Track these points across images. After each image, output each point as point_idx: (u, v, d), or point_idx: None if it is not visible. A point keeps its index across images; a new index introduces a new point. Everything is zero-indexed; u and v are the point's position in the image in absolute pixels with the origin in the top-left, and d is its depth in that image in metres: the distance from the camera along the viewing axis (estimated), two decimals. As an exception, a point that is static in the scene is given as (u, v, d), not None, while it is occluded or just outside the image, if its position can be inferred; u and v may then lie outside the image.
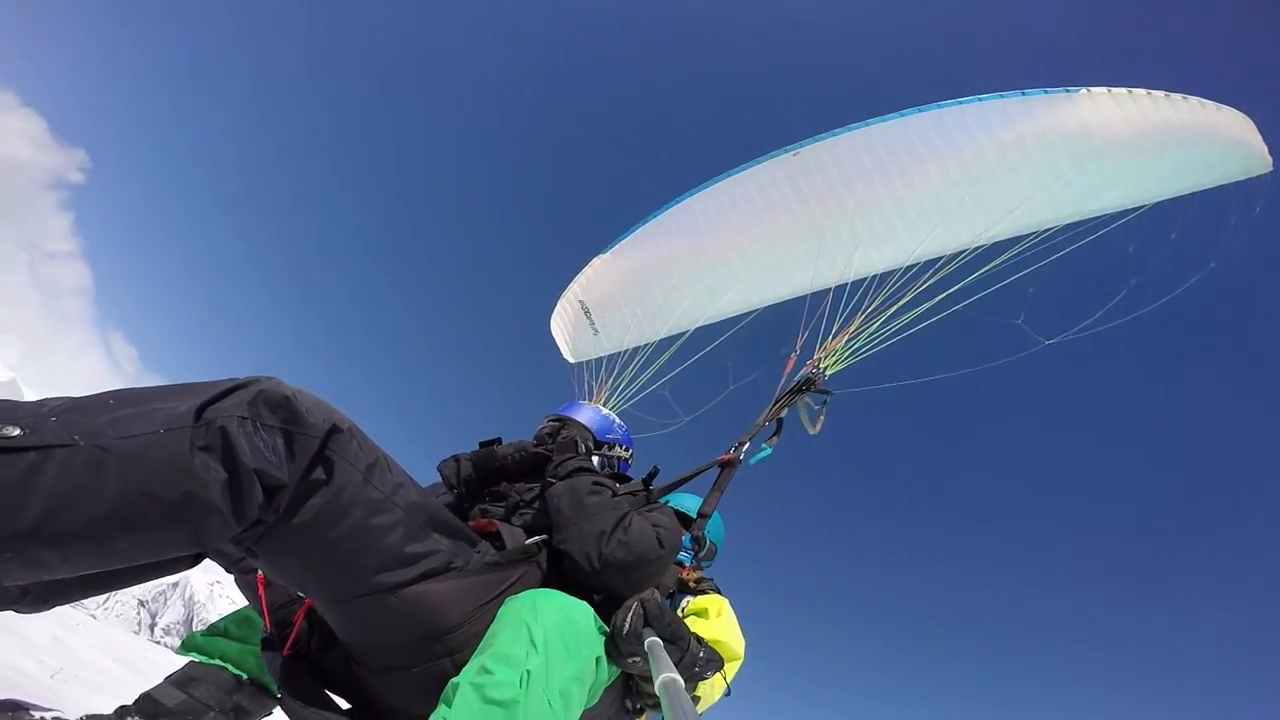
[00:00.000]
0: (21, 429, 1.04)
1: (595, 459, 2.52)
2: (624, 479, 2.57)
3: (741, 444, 3.14)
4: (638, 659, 1.72)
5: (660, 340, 3.69)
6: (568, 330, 4.03)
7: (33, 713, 2.02)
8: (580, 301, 3.91)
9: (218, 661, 2.21)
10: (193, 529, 1.17)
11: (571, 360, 3.97)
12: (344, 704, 1.81)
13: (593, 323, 3.91)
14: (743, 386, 3.50)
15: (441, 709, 1.41)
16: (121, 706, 2.11)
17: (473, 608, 1.63)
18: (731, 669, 2.33)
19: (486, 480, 2.42)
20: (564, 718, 1.47)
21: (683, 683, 1.38)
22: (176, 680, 2.16)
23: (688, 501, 3.25)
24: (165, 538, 1.15)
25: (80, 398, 1.19)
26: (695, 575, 2.94)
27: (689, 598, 2.73)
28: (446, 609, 1.58)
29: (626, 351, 3.70)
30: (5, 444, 1.01)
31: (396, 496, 1.50)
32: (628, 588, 1.93)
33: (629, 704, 2.00)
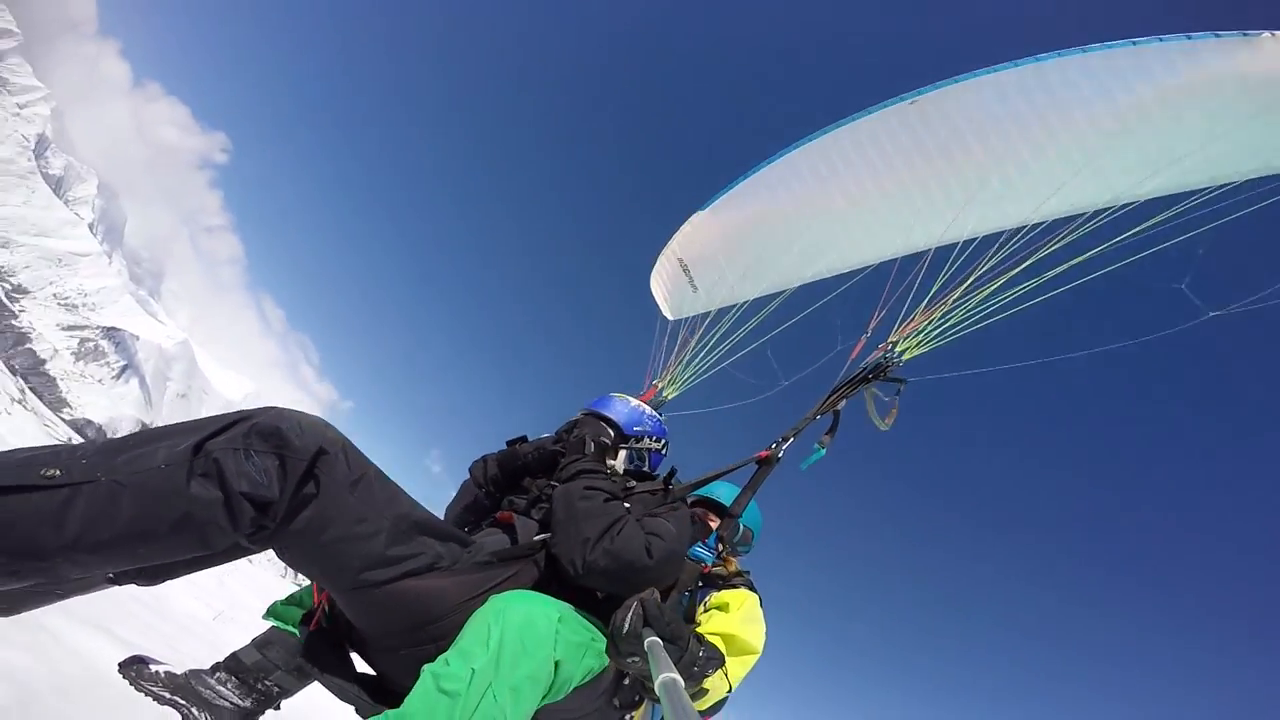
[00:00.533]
0: (60, 470, 1.39)
1: (622, 453, 2.56)
2: (645, 476, 2.60)
3: (784, 439, 2.89)
4: (637, 659, 1.75)
5: (760, 298, 3.54)
6: (666, 288, 3.97)
7: (152, 666, 2.34)
8: (679, 259, 3.84)
9: (290, 627, 2.44)
10: (198, 537, 1.50)
11: (670, 317, 3.91)
12: (372, 671, 2.06)
13: (692, 280, 3.82)
14: (842, 353, 3.26)
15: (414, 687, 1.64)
16: (216, 663, 2.40)
17: (458, 602, 1.84)
18: (744, 663, 2.30)
19: (511, 478, 2.55)
20: (511, 712, 1.59)
21: (683, 682, 1.45)
22: (258, 642, 2.46)
23: (722, 491, 3.11)
24: (176, 545, 1.49)
25: (108, 440, 1.55)
26: (733, 567, 2.86)
27: (714, 592, 2.69)
28: (429, 602, 1.82)
29: (726, 308, 3.61)
30: (47, 483, 1.37)
31: (381, 507, 1.76)
32: (623, 591, 1.99)
33: (617, 701, 2.04)
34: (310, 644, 2.06)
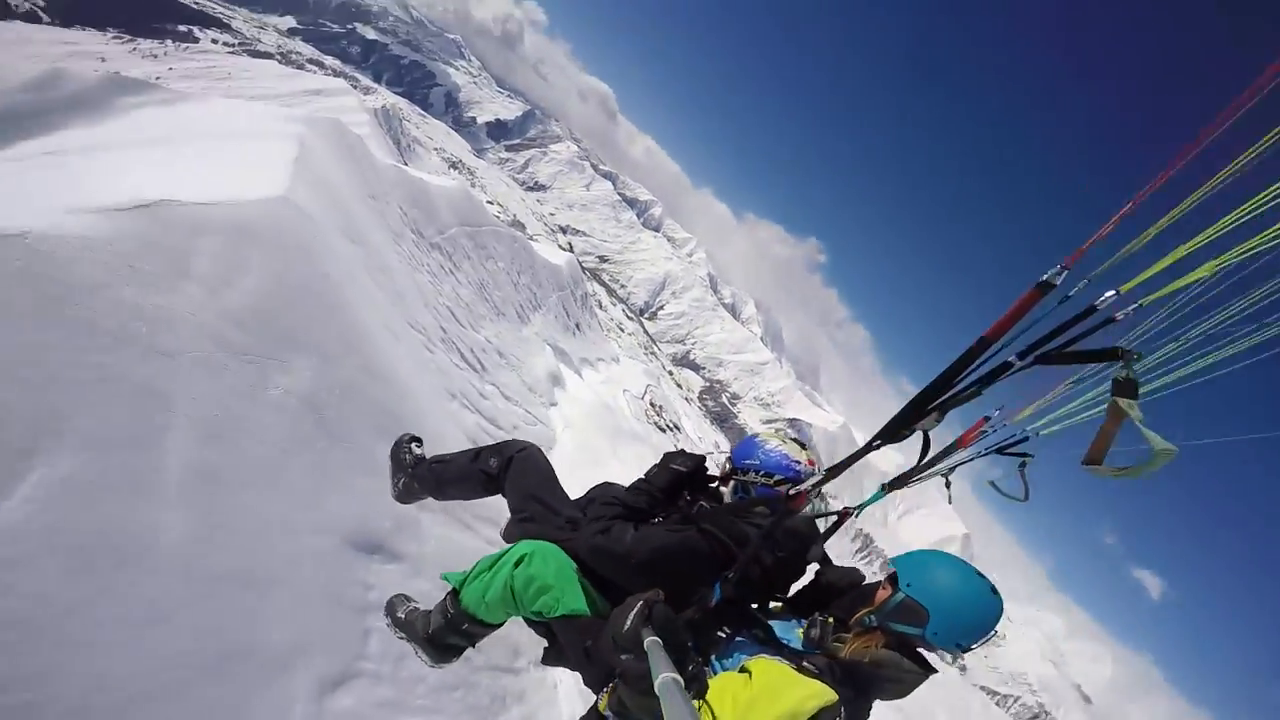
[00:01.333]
0: (448, 460, 3.47)
1: (732, 482, 2.98)
2: (709, 500, 2.98)
3: (896, 484, 2.31)
4: (631, 656, 1.85)
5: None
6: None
7: None
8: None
9: None
10: (481, 485, 3.28)
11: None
12: None
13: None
14: None
15: None
16: None
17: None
18: None
19: (672, 493, 3.10)
20: (489, 590, 2.62)
21: (682, 682, 1.53)
22: None
23: (908, 563, 2.32)
24: (475, 487, 3.30)
25: (465, 450, 3.47)
26: (849, 651, 2.23)
27: (764, 654, 2.23)
28: (530, 536, 2.84)
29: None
30: (439, 461, 3.51)
31: (522, 484, 3.13)
32: (604, 574, 2.64)
33: (589, 654, 2.46)
34: None
